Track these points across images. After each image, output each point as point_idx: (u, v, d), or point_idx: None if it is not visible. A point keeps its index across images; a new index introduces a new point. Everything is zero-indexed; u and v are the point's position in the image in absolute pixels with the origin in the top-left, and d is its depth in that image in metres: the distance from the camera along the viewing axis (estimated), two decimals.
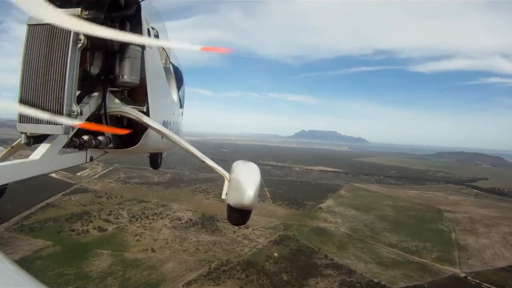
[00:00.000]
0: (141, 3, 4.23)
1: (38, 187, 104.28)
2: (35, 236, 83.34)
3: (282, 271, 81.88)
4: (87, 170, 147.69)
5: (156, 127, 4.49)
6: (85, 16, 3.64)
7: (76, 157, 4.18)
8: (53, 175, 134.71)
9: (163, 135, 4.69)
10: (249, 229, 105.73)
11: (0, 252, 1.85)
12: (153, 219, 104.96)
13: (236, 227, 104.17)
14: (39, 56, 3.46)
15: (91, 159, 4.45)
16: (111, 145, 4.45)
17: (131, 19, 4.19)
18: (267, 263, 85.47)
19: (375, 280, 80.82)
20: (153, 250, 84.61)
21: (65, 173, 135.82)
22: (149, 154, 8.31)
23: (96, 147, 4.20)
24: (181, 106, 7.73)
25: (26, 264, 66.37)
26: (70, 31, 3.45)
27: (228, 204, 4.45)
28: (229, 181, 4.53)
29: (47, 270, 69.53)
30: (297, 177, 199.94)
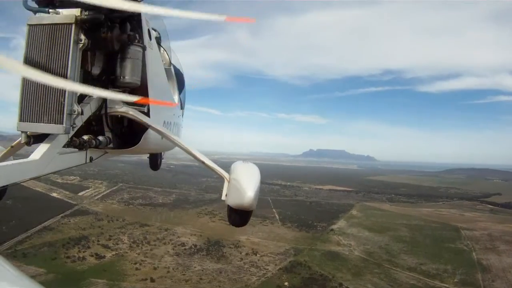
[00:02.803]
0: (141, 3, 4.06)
1: (37, 207, 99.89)
2: (28, 262, 77.51)
3: None
4: (89, 189, 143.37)
5: (156, 127, 4.58)
6: (85, 17, 3.63)
7: (76, 158, 4.26)
8: (54, 194, 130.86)
9: (163, 135, 4.76)
10: (257, 255, 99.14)
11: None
12: (155, 245, 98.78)
13: (243, 254, 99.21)
14: (39, 56, 3.49)
15: (91, 159, 4.55)
16: (111, 145, 4.50)
17: (131, 20, 4.23)
18: None
19: None
20: (152, 280, 78.10)
21: (67, 192, 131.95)
22: (148, 155, 8.07)
23: (96, 147, 4.26)
24: (182, 107, 7.67)
25: None
26: (71, 31, 3.51)
27: (228, 205, 4.55)
28: (228, 182, 4.60)
29: None
30: (307, 197, 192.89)
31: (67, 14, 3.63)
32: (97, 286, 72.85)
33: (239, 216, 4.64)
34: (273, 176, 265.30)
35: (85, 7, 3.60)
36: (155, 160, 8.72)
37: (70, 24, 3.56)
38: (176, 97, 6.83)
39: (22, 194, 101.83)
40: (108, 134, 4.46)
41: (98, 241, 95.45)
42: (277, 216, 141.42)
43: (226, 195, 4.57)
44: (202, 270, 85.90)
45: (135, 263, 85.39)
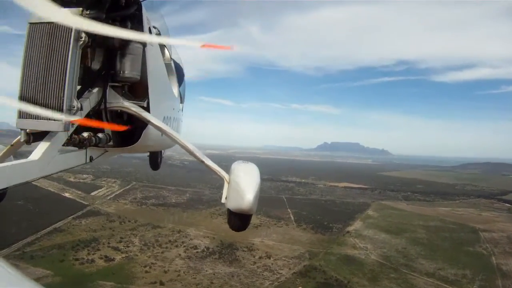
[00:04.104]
0: (142, 2, 4.30)
1: (49, 208, 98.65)
2: (35, 264, 76.08)
3: None
4: (102, 188, 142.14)
5: (156, 123, 4.52)
6: (87, 15, 3.68)
7: (76, 157, 4.23)
8: (66, 194, 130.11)
9: (163, 132, 4.69)
10: (271, 258, 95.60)
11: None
12: (166, 247, 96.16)
13: (256, 257, 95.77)
14: (40, 53, 3.51)
15: (91, 159, 4.50)
16: (111, 143, 4.51)
17: (132, 18, 4.26)
18: None
19: None
20: (162, 283, 75.34)
21: (79, 192, 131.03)
22: (148, 154, 8.08)
23: (96, 145, 4.23)
24: (182, 102, 7.66)
25: None
26: (71, 29, 3.52)
27: (228, 209, 4.49)
28: (228, 183, 4.50)
29: None
30: (322, 195, 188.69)
31: (69, 12, 3.51)
32: None
33: (239, 219, 4.57)
34: (287, 173, 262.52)
35: (87, 6, 3.67)
36: (155, 159, 8.58)
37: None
38: (176, 92, 6.77)
39: (33, 195, 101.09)
40: (108, 131, 4.42)
41: (109, 243, 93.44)
42: (292, 216, 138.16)
43: (225, 197, 4.48)
44: (214, 274, 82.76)
45: (145, 266, 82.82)
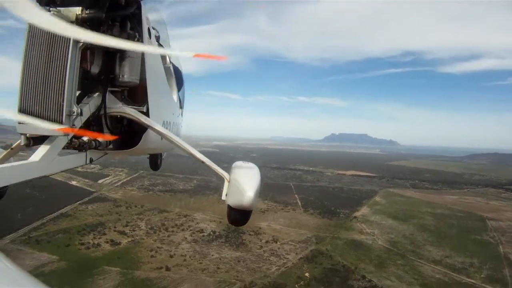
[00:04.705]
0: (141, 2, 4.23)
1: (55, 195, 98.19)
2: (41, 249, 75.78)
3: None
4: (109, 177, 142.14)
5: (155, 127, 4.52)
6: (86, 15, 3.66)
7: (76, 159, 4.22)
8: (73, 182, 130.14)
9: (162, 135, 4.68)
10: (278, 243, 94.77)
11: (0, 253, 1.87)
12: (172, 231, 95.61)
13: (263, 241, 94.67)
14: (39, 56, 3.47)
15: (91, 160, 4.48)
16: (110, 146, 4.48)
17: (131, 19, 4.21)
18: (297, 285, 73.20)
19: None
20: (167, 269, 74.56)
21: (86, 180, 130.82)
22: (148, 156, 8.04)
23: (95, 148, 4.19)
24: (181, 107, 7.63)
25: None
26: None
27: (228, 205, 4.54)
28: (229, 182, 4.54)
29: None
30: (329, 182, 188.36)
31: (68, 12, 3.59)
32: (110, 274, 69.86)
33: (239, 215, 4.59)
34: (295, 161, 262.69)
35: (86, 5, 3.63)
36: (155, 161, 8.71)
37: (71, 22, 3.50)
38: (175, 96, 6.71)
39: (40, 183, 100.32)
40: (108, 134, 4.39)
41: (115, 227, 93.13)
42: (299, 202, 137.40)
43: (226, 195, 4.52)
44: (220, 259, 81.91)
45: (151, 250, 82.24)
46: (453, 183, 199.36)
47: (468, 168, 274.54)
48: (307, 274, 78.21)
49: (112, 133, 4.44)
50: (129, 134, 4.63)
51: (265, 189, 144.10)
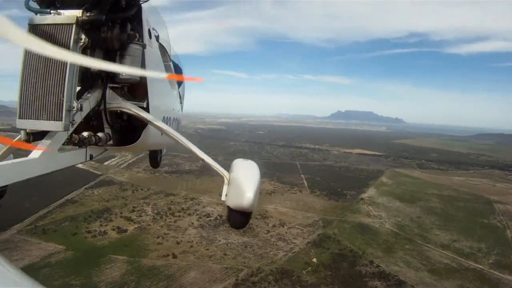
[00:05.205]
0: (142, 4, 4.24)
1: (60, 180, 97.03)
2: (48, 239, 75.65)
3: (321, 283, 69.07)
4: (115, 158, 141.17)
5: (155, 123, 4.48)
6: (87, 18, 3.64)
7: (76, 155, 4.20)
8: (79, 165, 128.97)
9: (162, 131, 4.65)
10: (285, 227, 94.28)
11: None
12: (179, 216, 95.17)
13: (270, 226, 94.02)
14: (40, 55, 3.48)
15: (91, 157, 4.50)
16: (110, 142, 4.44)
17: (132, 20, 4.20)
18: (304, 271, 72.71)
19: None
20: (174, 256, 74.34)
21: (92, 163, 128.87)
22: (148, 152, 8.17)
23: (95, 144, 4.16)
24: (181, 102, 7.62)
25: (31, 273, 57.56)
26: (71, 31, 3.53)
27: (228, 206, 4.42)
28: (228, 181, 4.47)
29: (53, 279, 60.83)
30: (336, 161, 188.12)
31: (69, 14, 3.60)
32: (116, 263, 69.70)
33: (239, 217, 4.47)
34: (301, 139, 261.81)
35: (87, 7, 3.64)
36: (155, 157, 8.64)
37: (71, 24, 3.53)
38: (175, 92, 6.74)
39: None
40: (108, 130, 4.37)
41: (121, 213, 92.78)
42: (305, 182, 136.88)
43: (226, 195, 4.43)
44: (227, 244, 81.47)
45: (158, 237, 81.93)
46: (460, 163, 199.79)
47: (474, 149, 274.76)
48: (314, 260, 77.71)
49: (112, 128, 4.38)
50: (129, 130, 4.56)
51: (272, 169, 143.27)
